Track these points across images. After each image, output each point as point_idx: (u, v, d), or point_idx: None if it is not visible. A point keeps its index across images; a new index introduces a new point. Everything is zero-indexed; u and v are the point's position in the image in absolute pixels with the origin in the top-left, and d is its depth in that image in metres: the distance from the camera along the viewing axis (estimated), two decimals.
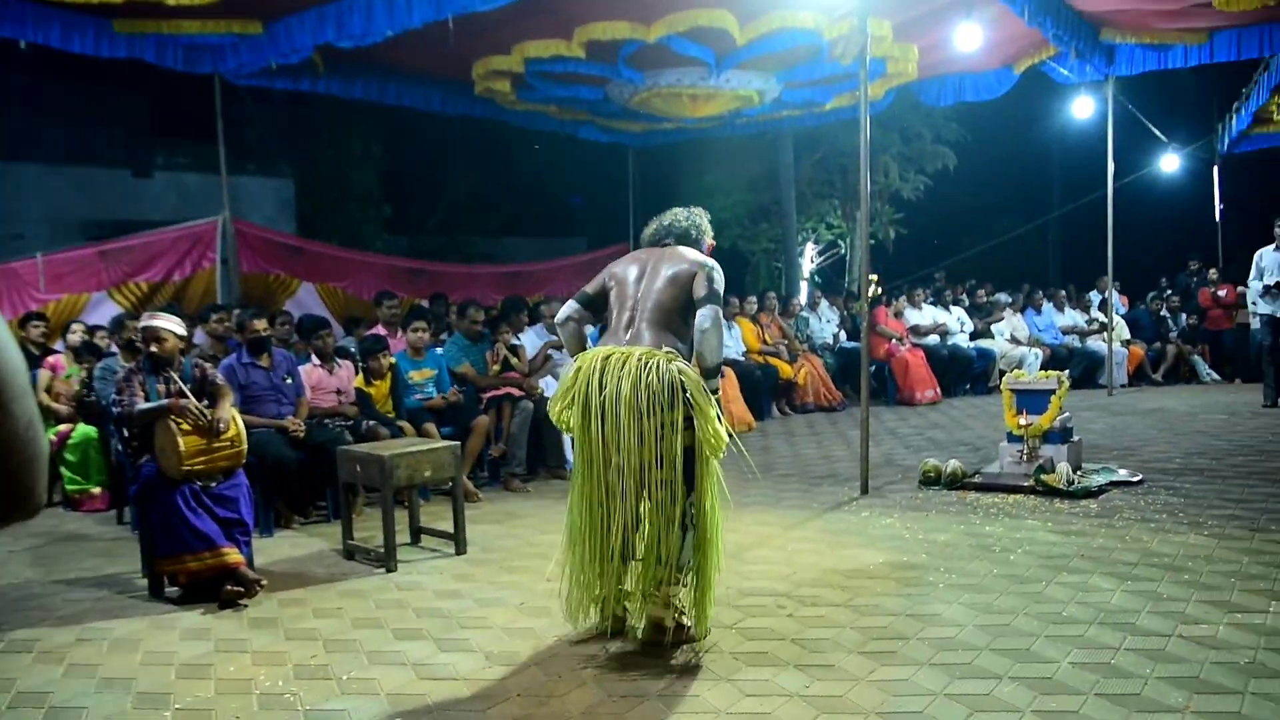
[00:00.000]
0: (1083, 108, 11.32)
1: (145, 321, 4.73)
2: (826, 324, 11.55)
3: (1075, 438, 6.42)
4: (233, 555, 4.32)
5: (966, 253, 15.03)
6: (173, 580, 4.41)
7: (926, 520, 5.34)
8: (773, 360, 9.98)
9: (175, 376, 4.63)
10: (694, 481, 3.50)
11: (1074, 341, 11.87)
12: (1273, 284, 9.01)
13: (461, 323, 7.28)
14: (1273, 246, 9.15)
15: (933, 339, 11.06)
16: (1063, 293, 12.69)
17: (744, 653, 3.48)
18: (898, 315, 10.99)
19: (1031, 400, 6.30)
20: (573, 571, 3.63)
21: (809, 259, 15.94)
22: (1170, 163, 12.92)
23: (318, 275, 10.02)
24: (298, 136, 16.35)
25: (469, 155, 18.94)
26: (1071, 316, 12.36)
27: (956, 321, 11.51)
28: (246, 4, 7.20)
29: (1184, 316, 12.53)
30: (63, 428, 6.58)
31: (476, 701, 3.16)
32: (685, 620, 3.59)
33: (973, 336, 11.61)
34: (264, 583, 4.36)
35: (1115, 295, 12.09)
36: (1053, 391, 6.25)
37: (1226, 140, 12.86)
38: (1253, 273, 9.32)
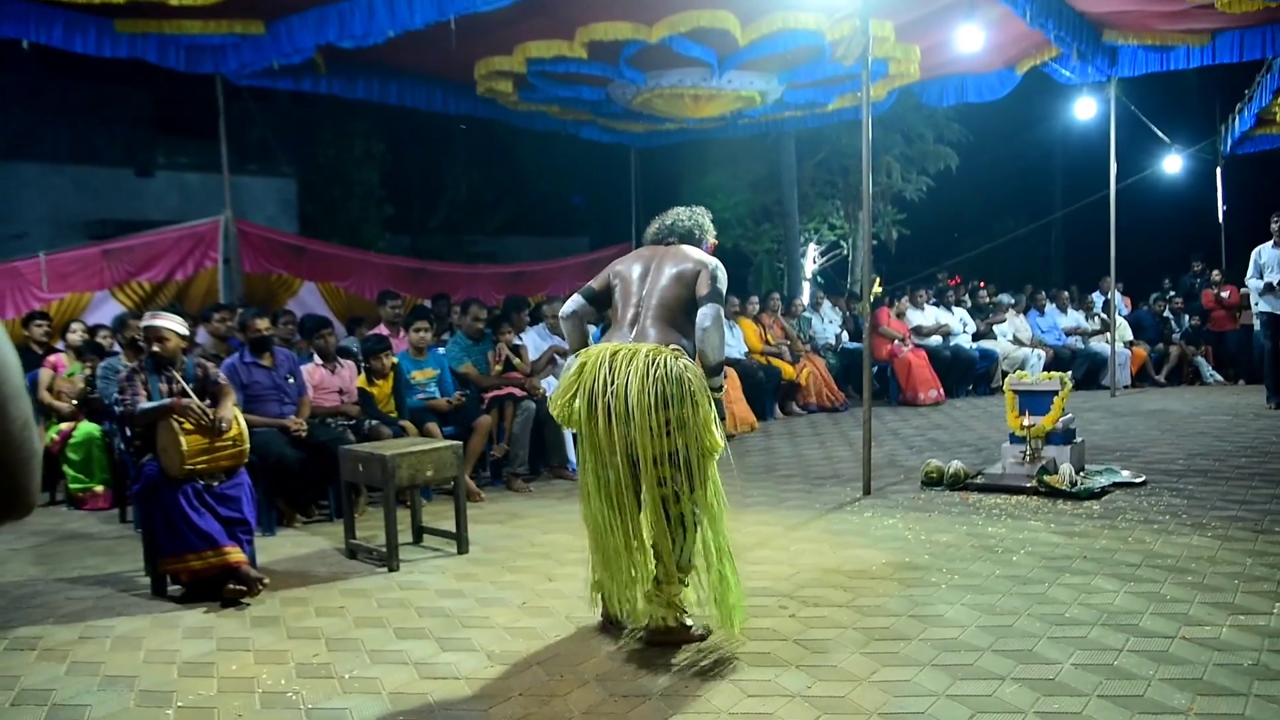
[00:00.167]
0: (1085, 109, 11.31)
1: (147, 321, 4.74)
2: (829, 324, 11.55)
3: (1078, 439, 6.42)
4: (235, 554, 4.32)
5: (969, 253, 15.03)
6: (175, 579, 4.41)
7: (929, 521, 5.33)
8: (775, 361, 9.98)
9: (177, 376, 4.64)
10: (695, 479, 3.49)
11: (1077, 342, 11.85)
12: (1275, 282, 8.99)
13: (464, 320, 7.28)
14: (1271, 243, 9.13)
15: (935, 340, 11.05)
16: (1065, 294, 12.67)
17: (746, 653, 3.48)
18: (900, 316, 10.99)
19: (1034, 401, 6.30)
20: (598, 563, 3.66)
21: (811, 259, 15.94)
22: (1173, 164, 12.91)
23: (320, 275, 10.02)
24: (300, 136, 16.35)
25: (471, 155, 18.94)
26: (1074, 317, 12.35)
27: (959, 322, 11.51)
28: (248, 4, 7.19)
29: (1187, 317, 12.52)
30: (65, 426, 6.59)
31: (478, 701, 3.16)
32: (687, 620, 3.59)
33: (975, 337, 11.60)
34: (266, 581, 4.36)
35: (1118, 296, 12.08)
36: (1055, 393, 6.24)
37: (1229, 141, 12.84)
38: (1250, 270, 9.27)
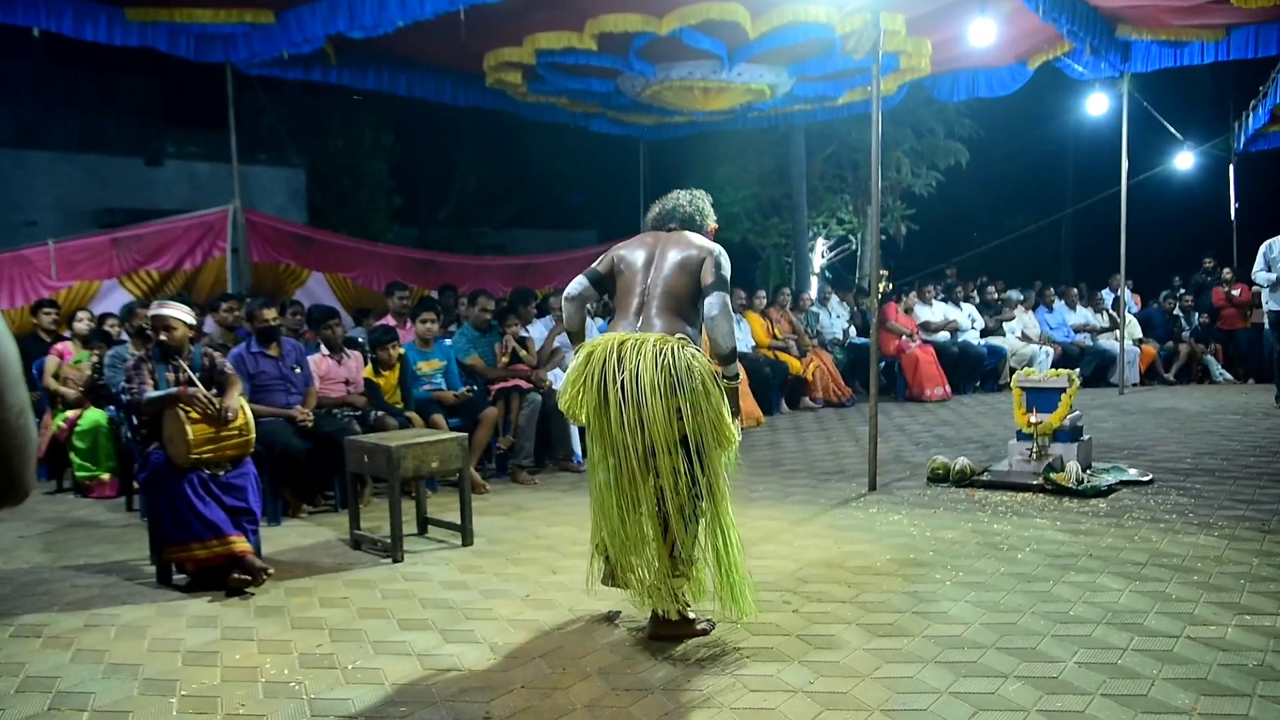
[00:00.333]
0: (1097, 104, 11.23)
1: (155, 310, 4.75)
2: (836, 319, 11.53)
3: (1085, 436, 6.39)
4: (240, 543, 4.33)
5: (978, 249, 14.97)
6: (180, 568, 4.43)
7: (934, 517, 5.32)
8: (782, 355, 9.96)
9: (184, 365, 4.64)
10: (704, 469, 3.47)
11: (1085, 340, 11.81)
12: None
13: (471, 311, 7.29)
14: None
15: (943, 336, 11.02)
16: (1074, 290, 12.62)
17: (749, 647, 3.47)
18: (908, 311, 10.96)
19: (1042, 398, 6.27)
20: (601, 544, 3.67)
21: (819, 254, 15.90)
22: (1185, 160, 12.82)
23: (328, 265, 10.05)
24: (309, 126, 16.37)
25: (480, 147, 18.94)
26: (1083, 314, 12.30)
27: (967, 318, 11.47)
28: None
29: (1197, 315, 12.45)
30: (71, 414, 6.61)
31: (481, 692, 3.16)
32: (690, 614, 3.59)
33: (983, 334, 11.56)
34: (271, 571, 4.37)
35: (1128, 293, 12.02)
36: (1063, 390, 6.22)
37: (1243, 138, 12.73)
38: (1258, 263, 9.16)
